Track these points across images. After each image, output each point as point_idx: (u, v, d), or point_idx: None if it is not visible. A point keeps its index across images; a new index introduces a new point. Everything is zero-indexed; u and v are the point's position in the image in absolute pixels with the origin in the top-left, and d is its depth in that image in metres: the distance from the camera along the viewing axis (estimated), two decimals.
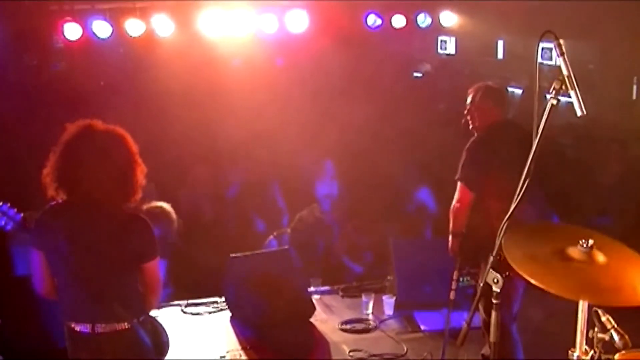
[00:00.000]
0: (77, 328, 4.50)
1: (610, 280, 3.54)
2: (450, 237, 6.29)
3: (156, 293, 4.72)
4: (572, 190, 8.06)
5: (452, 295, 6.28)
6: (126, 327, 4.52)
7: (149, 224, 4.60)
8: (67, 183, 4.45)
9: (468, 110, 6.38)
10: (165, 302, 7.31)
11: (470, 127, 6.35)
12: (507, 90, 10.52)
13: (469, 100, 6.40)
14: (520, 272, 3.52)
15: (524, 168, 3.68)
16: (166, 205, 7.82)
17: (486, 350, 6.17)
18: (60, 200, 4.49)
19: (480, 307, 5.75)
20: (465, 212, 6.16)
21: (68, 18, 9.98)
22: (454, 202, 6.21)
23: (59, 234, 4.42)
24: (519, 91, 13.36)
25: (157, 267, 4.66)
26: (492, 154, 5.99)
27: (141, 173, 4.58)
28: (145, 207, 7.58)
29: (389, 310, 7.32)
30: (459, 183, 6.14)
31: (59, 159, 4.44)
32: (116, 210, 4.51)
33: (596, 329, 3.72)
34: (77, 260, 4.42)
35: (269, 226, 9.33)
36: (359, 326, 7.12)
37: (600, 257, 3.60)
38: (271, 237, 8.81)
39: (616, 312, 3.75)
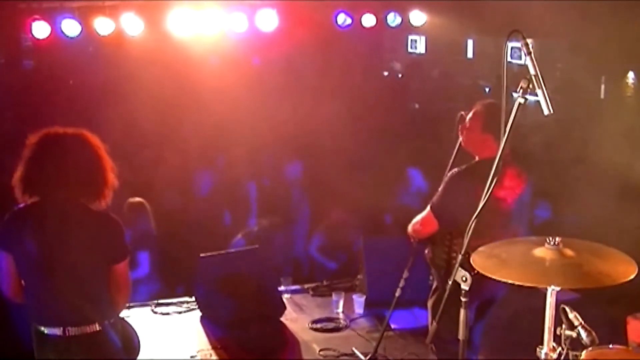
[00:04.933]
0: (47, 331, 4.47)
1: (580, 268, 3.59)
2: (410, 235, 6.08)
3: (125, 295, 4.69)
4: (542, 189, 8.11)
5: (397, 292, 6.25)
6: (97, 329, 4.50)
7: (121, 225, 4.58)
8: (34, 190, 4.43)
9: (466, 126, 5.56)
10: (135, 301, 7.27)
11: (462, 143, 5.60)
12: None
13: (470, 115, 5.54)
14: (496, 278, 3.55)
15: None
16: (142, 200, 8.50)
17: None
18: (28, 202, 4.46)
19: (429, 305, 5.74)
20: (426, 235, 5.70)
21: (36, 16, 9.89)
22: (419, 220, 5.72)
23: (27, 236, 4.39)
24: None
25: (127, 269, 4.64)
26: (474, 190, 4.84)
27: (111, 172, 4.56)
28: (128, 202, 8.36)
29: (359, 309, 7.33)
30: (428, 208, 5.58)
31: (24, 167, 4.42)
32: (86, 211, 4.49)
33: (564, 326, 3.75)
34: (46, 262, 4.38)
35: (239, 225, 9.31)
36: (329, 325, 7.11)
37: (568, 252, 3.65)
38: (239, 235, 8.80)
39: (583, 309, 3.79)
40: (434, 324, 4.07)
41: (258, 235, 8.65)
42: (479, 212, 3.74)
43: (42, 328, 4.47)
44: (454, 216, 5.28)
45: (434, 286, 5.76)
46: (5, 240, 4.47)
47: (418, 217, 5.75)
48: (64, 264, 4.40)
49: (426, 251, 5.96)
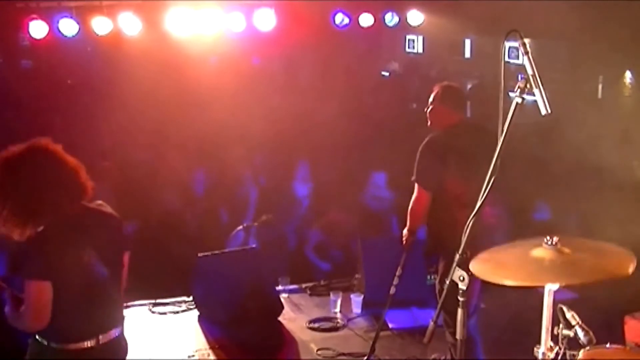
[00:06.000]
0: (79, 346, 4.23)
1: (579, 264, 3.58)
2: (405, 232, 6.30)
3: (124, 290, 4.67)
4: (536, 188, 8.13)
5: (392, 290, 6.29)
6: (120, 331, 4.42)
7: (119, 217, 4.54)
8: (35, 220, 4.14)
9: (429, 109, 6.20)
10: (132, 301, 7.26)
11: (429, 124, 6.20)
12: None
13: (430, 98, 6.21)
14: (494, 280, 3.55)
15: (482, 167, 3.72)
16: None
17: (437, 356, 6.23)
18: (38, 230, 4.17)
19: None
20: (422, 212, 6.08)
21: (34, 16, 9.87)
22: (412, 202, 6.12)
23: (66, 255, 4.18)
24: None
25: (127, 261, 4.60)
26: (445, 153, 5.89)
27: (77, 168, 4.35)
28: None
29: (357, 309, 7.34)
30: (415, 184, 6.03)
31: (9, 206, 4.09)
32: (89, 212, 4.39)
33: (561, 326, 3.75)
34: (85, 275, 4.28)
35: (237, 225, 9.30)
36: (327, 325, 7.12)
37: (567, 250, 3.64)
38: (239, 228, 8.78)
39: (581, 309, 3.79)
40: (431, 323, 4.06)
41: (258, 229, 8.62)
42: (477, 211, 3.73)
43: (72, 345, 4.25)
44: (437, 176, 5.90)
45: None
46: (46, 268, 4.15)
47: (411, 202, 6.12)
48: (98, 272, 4.31)
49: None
